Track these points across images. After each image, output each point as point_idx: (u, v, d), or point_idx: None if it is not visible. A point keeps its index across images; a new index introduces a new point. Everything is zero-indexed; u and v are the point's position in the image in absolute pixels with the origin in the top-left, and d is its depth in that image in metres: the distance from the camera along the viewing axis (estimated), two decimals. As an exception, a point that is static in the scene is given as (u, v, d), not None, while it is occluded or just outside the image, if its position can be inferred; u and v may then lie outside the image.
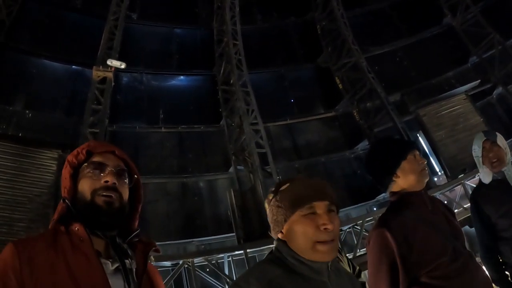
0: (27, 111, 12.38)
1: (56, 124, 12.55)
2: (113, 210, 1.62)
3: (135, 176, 1.79)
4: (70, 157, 1.75)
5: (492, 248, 3.48)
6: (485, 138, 3.54)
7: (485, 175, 3.57)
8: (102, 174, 1.66)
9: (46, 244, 1.52)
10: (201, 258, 9.67)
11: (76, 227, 1.57)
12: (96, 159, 1.71)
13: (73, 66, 13.99)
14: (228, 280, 9.51)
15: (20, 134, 11.62)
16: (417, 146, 2.62)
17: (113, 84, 12.72)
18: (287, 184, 1.82)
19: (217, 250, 10.57)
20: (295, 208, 1.72)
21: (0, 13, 12.27)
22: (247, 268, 9.35)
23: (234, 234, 11.08)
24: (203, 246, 12.38)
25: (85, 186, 1.64)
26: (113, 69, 12.45)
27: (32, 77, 13.19)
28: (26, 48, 13.34)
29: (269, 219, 1.84)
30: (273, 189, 1.85)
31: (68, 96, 13.52)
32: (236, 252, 10.16)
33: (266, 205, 1.88)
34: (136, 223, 1.81)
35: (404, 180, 2.51)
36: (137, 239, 1.75)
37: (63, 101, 13.33)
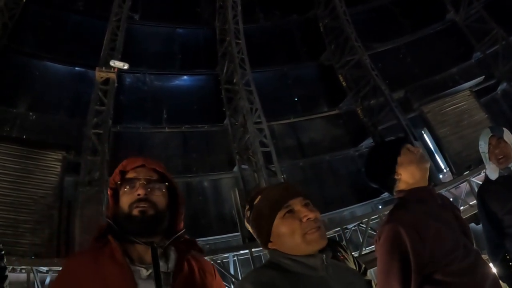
0: (30, 113, 12.42)
1: (60, 125, 12.59)
2: (147, 218, 1.78)
3: (166, 183, 1.95)
4: (110, 179, 1.96)
5: (498, 245, 3.44)
6: (491, 134, 3.51)
7: (491, 171, 3.54)
8: (134, 188, 1.83)
9: (90, 256, 1.74)
10: (206, 257, 9.65)
11: (113, 241, 1.75)
12: (129, 175, 1.89)
13: (76, 68, 14.01)
14: (233, 279, 9.51)
15: (24, 136, 11.66)
16: (408, 140, 2.63)
17: (116, 85, 12.74)
18: (259, 196, 1.87)
19: (222, 249, 10.58)
20: (274, 212, 1.76)
21: (2, 16, 12.30)
22: (252, 267, 9.35)
23: (239, 233, 11.08)
24: (208, 246, 12.36)
25: (124, 202, 1.83)
26: (116, 70, 12.46)
27: (35, 79, 13.23)
28: (29, 50, 13.38)
29: (255, 235, 1.88)
30: (248, 206, 1.90)
31: (72, 97, 13.55)
32: (241, 252, 10.16)
33: (247, 224, 1.92)
34: (181, 225, 1.96)
35: (406, 174, 2.47)
36: (181, 240, 1.91)
37: (67, 102, 13.36)
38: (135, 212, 1.77)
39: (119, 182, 1.89)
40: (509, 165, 3.43)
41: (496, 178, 3.51)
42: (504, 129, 3.52)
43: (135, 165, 1.92)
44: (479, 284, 2.17)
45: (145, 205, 1.78)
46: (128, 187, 1.85)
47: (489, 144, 3.51)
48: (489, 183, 3.59)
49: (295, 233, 1.71)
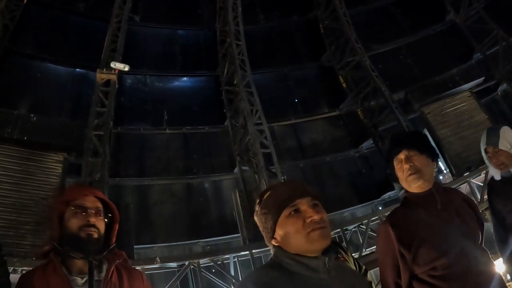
0: (32, 115, 12.43)
1: (61, 127, 12.59)
2: (93, 240, 2.19)
3: (109, 215, 2.37)
4: (55, 206, 2.33)
5: (504, 240, 3.49)
6: (485, 146, 3.56)
7: (494, 173, 3.58)
8: (84, 214, 2.22)
9: (39, 271, 2.15)
10: (206, 259, 9.67)
11: (54, 258, 2.15)
12: (77, 202, 2.26)
13: (77, 70, 14.02)
14: (233, 280, 9.52)
15: (25, 138, 11.67)
16: (406, 143, 2.55)
17: (117, 86, 12.74)
18: (269, 192, 1.89)
19: (223, 250, 10.57)
20: (280, 210, 1.78)
21: (3, 18, 12.31)
22: (253, 268, 9.36)
23: (239, 234, 11.09)
24: (208, 247, 12.38)
25: (73, 225, 2.21)
26: (116, 71, 12.46)
27: (36, 81, 13.24)
28: (30, 52, 13.41)
29: (261, 229, 1.91)
30: (258, 200, 1.93)
31: (73, 99, 13.57)
32: (242, 253, 10.15)
33: (256, 218, 1.95)
34: (113, 240, 2.38)
35: (403, 186, 2.56)
36: (112, 252, 2.29)
37: (68, 104, 13.38)
38: (83, 234, 2.17)
39: (72, 208, 2.25)
40: (510, 169, 3.46)
41: (501, 178, 3.54)
42: (501, 131, 3.51)
43: (82, 194, 2.31)
44: None
45: (92, 230, 2.20)
46: (77, 211, 2.23)
47: (486, 152, 3.55)
48: (495, 181, 3.62)
49: (298, 232, 1.72)
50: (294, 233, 1.73)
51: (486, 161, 3.61)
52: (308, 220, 1.72)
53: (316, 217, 1.73)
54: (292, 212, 1.76)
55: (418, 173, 2.45)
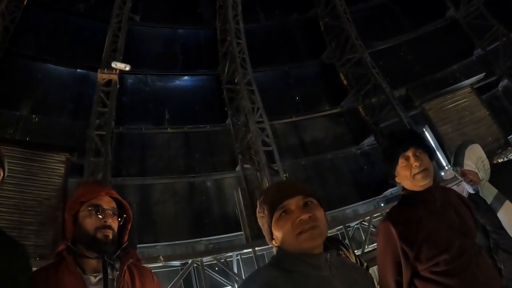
0: (33, 116, 12.46)
1: (63, 127, 12.63)
2: (109, 241, 2.22)
3: (125, 215, 2.40)
4: (70, 206, 2.31)
5: (488, 247, 3.63)
6: (452, 167, 3.76)
7: (467, 187, 3.80)
8: (100, 216, 2.24)
9: (52, 269, 2.18)
10: (210, 257, 9.70)
11: (68, 257, 2.17)
12: (93, 201, 2.27)
13: (78, 70, 14.03)
14: (237, 278, 9.55)
15: (27, 139, 11.69)
16: (412, 141, 2.52)
17: (118, 86, 12.77)
18: (263, 195, 1.92)
19: (226, 248, 10.60)
20: (271, 213, 1.81)
21: (3, 20, 12.32)
22: (256, 266, 9.39)
23: (242, 232, 11.11)
24: (211, 245, 12.41)
25: (89, 225, 2.22)
26: (117, 71, 12.49)
27: (38, 82, 13.25)
28: (30, 53, 13.41)
29: (262, 230, 1.93)
30: (257, 203, 1.95)
31: (74, 99, 13.58)
32: (245, 251, 10.17)
33: (258, 220, 1.97)
34: (126, 238, 2.41)
35: (403, 184, 2.55)
36: (125, 251, 2.33)
37: (69, 104, 13.40)
38: (100, 235, 2.19)
39: (90, 208, 2.25)
40: (478, 186, 3.67)
41: (475, 192, 3.73)
42: (466, 152, 3.65)
43: (97, 194, 2.30)
44: (469, 286, 2.22)
45: (109, 231, 2.22)
46: (93, 211, 2.24)
47: (456, 171, 3.74)
48: (473, 193, 3.80)
49: (288, 234, 1.74)
50: (285, 234, 1.75)
51: (459, 177, 3.77)
52: (297, 221, 1.73)
53: (303, 217, 1.72)
54: (282, 214, 1.78)
55: (427, 171, 2.45)
